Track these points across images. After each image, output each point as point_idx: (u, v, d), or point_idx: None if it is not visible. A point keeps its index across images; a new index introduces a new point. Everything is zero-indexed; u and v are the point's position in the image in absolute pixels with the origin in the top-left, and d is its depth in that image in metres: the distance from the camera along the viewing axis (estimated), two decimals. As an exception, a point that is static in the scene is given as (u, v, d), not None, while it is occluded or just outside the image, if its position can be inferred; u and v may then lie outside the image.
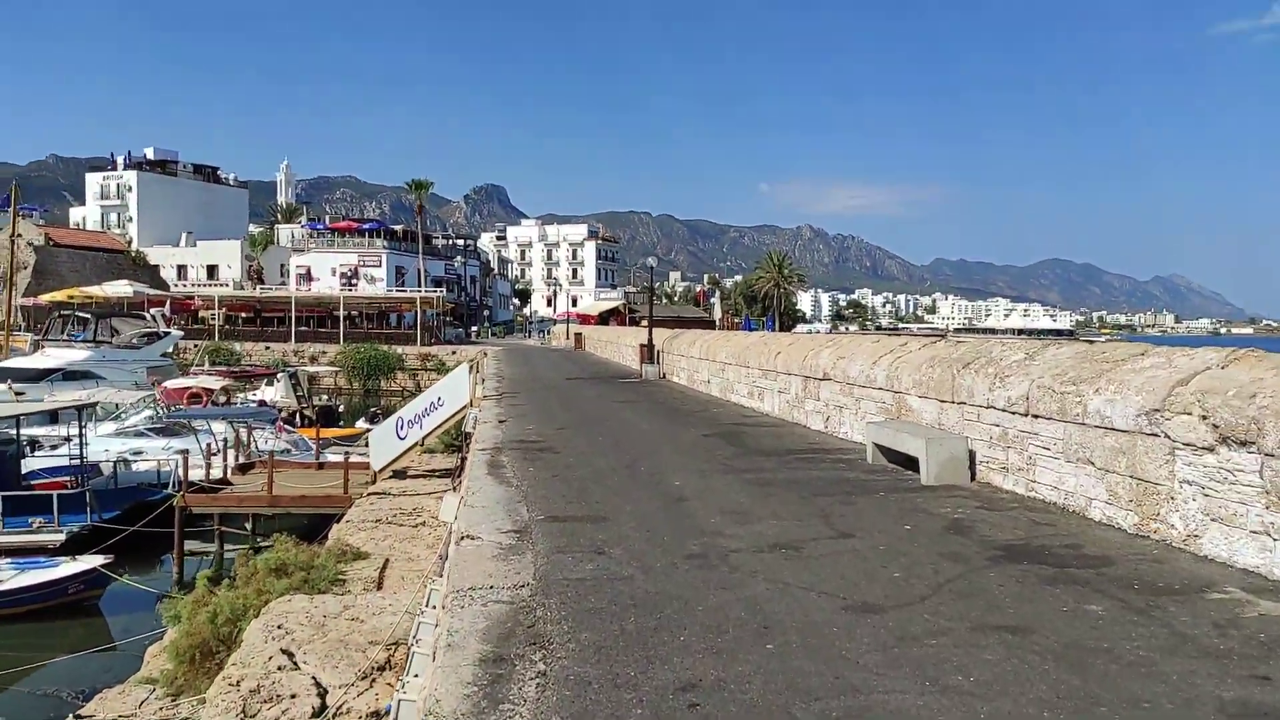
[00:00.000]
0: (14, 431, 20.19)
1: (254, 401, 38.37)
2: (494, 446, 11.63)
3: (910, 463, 8.95)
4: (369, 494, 16.27)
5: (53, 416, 27.94)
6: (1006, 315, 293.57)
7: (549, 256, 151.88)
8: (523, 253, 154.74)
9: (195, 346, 60.51)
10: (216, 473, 19.92)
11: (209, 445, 19.95)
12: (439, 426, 18.41)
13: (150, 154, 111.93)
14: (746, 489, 8.39)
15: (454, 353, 56.50)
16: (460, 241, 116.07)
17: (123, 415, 25.91)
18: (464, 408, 18.43)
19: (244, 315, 72.63)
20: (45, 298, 54.80)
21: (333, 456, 23.21)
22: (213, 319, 70.61)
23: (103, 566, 14.12)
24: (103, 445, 23.26)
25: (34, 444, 23.77)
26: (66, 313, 38.81)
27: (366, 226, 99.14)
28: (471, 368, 19.96)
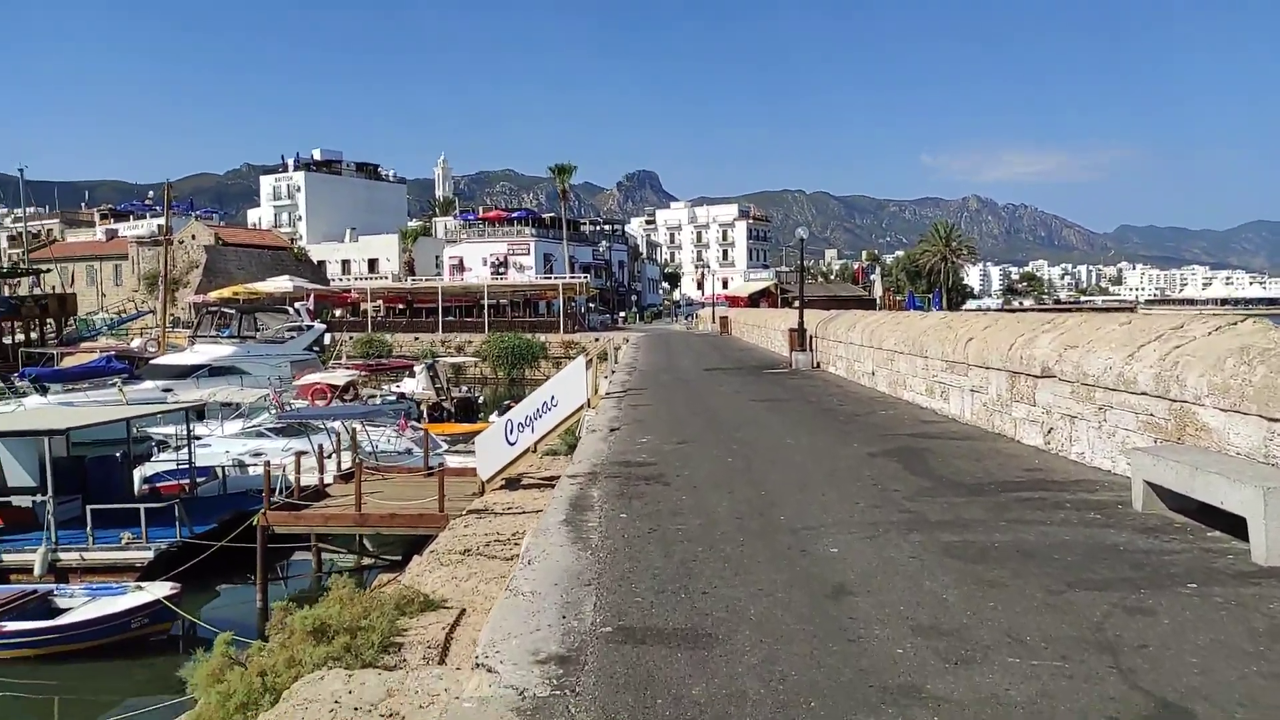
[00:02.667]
0: (125, 435, 19.37)
1: (394, 394, 37.74)
2: (589, 472, 8.89)
3: (1212, 514, 5.50)
4: (469, 511, 13.95)
5: (199, 413, 27.81)
6: (1206, 284, 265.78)
7: (698, 239, 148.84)
8: (672, 236, 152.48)
9: (351, 338, 61.82)
10: (328, 478, 18.39)
11: (320, 448, 18.40)
12: (552, 430, 15.84)
13: (317, 155, 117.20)
14: (949, 568, 5.20)
15: (597, 339, 54.71)
16: (608, 226, 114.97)
17: (250, 414, 25.20)
18: (580, 408, 15.83)
19: (399, 307, 74.03)
20: (213, 295, 57.10)
21: (452, 460, 21.35)
22: (372, 311, 72.35)
23: (168, 597, 12.53)
24: (224, 446, 22.41)
25: (162, 444, 23.25)
26: (214, 309, 39.56)
27: (515, 215, 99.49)
28: (590, 362, 17.33)
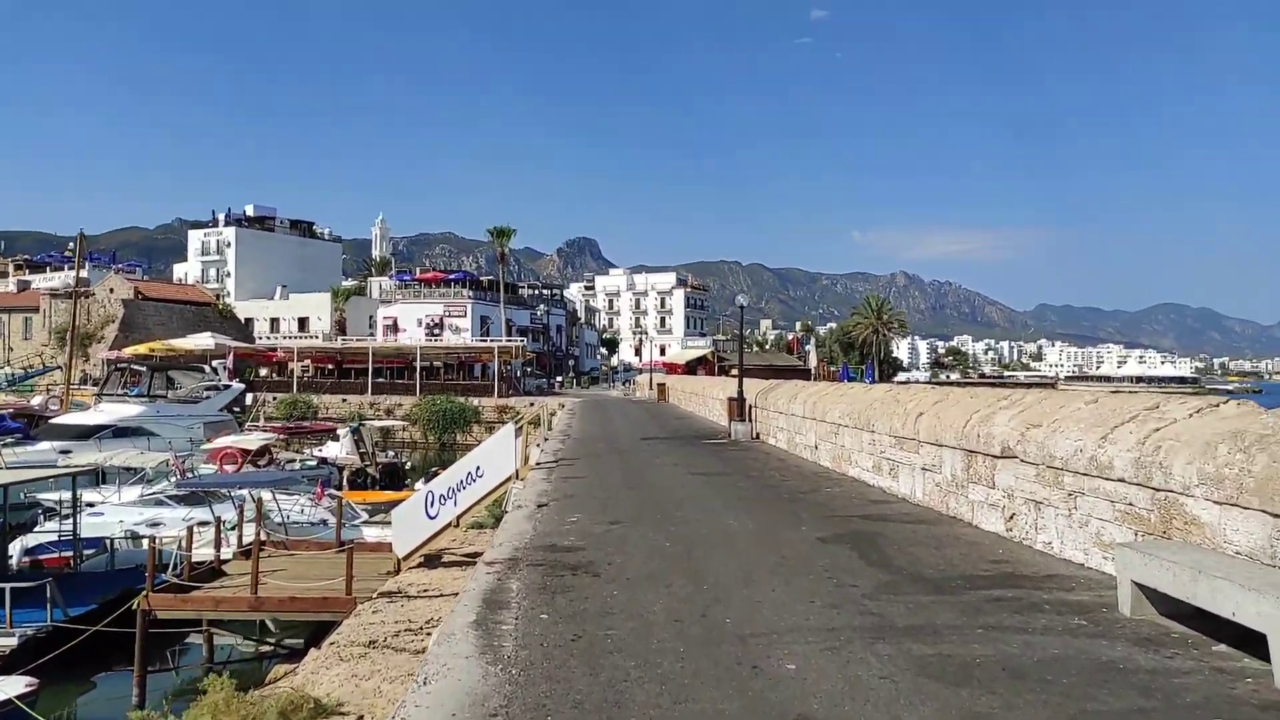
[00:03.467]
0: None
1: (315, 459, 35.85)
2: (509, 558, 7.87)
3: (1210, 619, 4.81)
4: (379, 594, 12.65)
5: (99, 477, 25.70)
6: (1121, 363, 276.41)
7: (637, 305, 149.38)
8: (610, 302, 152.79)
9: (275, 399, 59.36)
10: (228, 552, 16.81)
11: (218, 520, 16.83)
12: (476, 503, 14.77)
13: (250, 210, 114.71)
14: (929, 694, 4.35)
15: (532, 404, 53.42)
16: (546, 291, 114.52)
17: (153, 479, 23.34)
18: (508, 479, 14.79)
19: (328, 367, 71.71)
20: (128, 351, 54.38)
21: (370, 532, 19.90)
22: (300, 371, 69.86)
23: (22, 696, 10.84)
24: (119, 515, 20.55)
25: (49, 512, 21.23)
26: (123, 365, 37.33)
27: (453, 277, 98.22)
28: (519, 429, 16.31)
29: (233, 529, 17.67)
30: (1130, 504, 6.48)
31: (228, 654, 14.82)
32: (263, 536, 17.88)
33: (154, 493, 21.79)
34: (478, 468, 14.94)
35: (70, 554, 18.00)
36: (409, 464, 40.41)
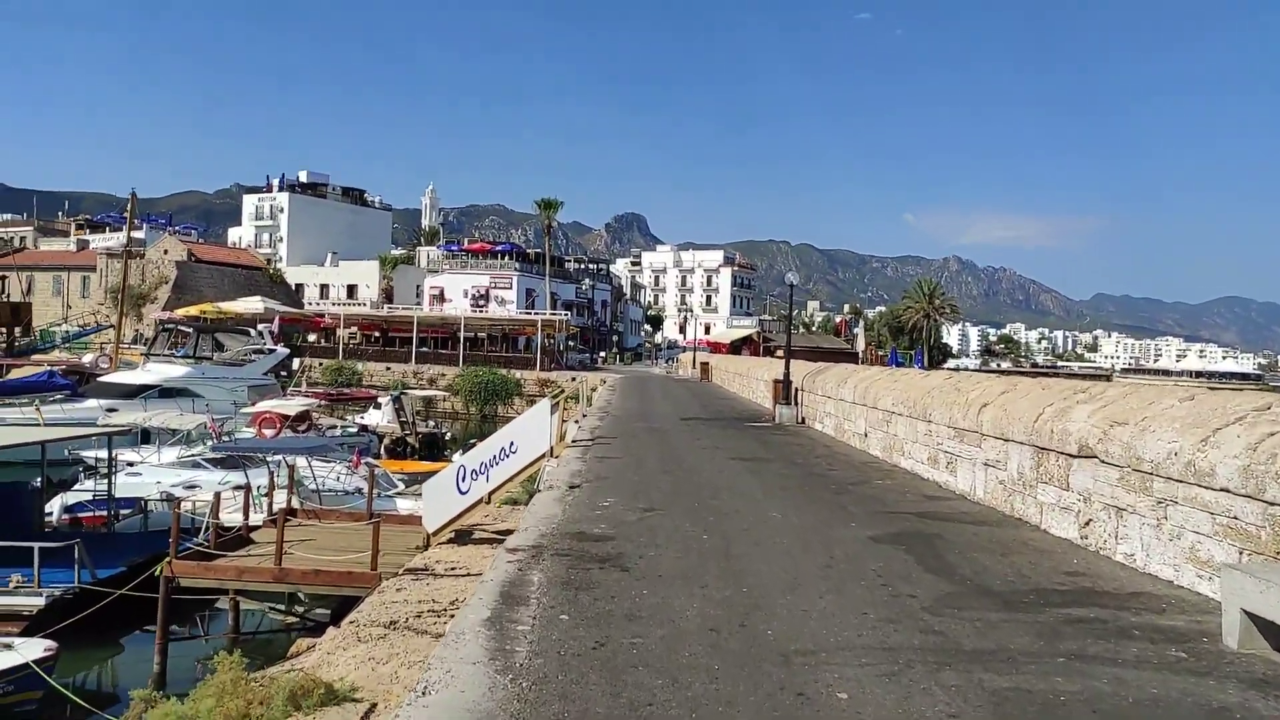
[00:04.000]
0: (40, 459, 17.52)
1: (356, 426, 35.89)
2: (534, 545, 7.32)
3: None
4: (405, 570, 12.24)
5: (142, 437, 25.86)
6: (1180, 357, 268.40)
7: (683, 283, 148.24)
8: (657, 278, 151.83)
9: (320, 365, 59.90)
10: (258, 518, 16.61)
11: (248, 487, 16.60)
12: (509, 480, 14.27)
13: (303, 177, 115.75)
14: (1010, 743, 3.67)
15: (574, 379, 53.12)
16: (592, 265, 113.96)
17: (193, 441, 23.36)
18: (542, 457, 14.27)
19: (374, 335, 72.22)
20: (180, 312, 55.10)
21: (404, 503, 19.60)
22: (347, 338, 70.42)
23: (39, 660, 10.63)
24: (157, 475, 20.54)
25: (89, 470, 21.34)
26: (169, 326, 37.66)
27: (499, 248, 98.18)
28: (556, 405, 15.79)
29: (265, 495, 17.47)
30: (1235, 518, 5.68)
31: (257, 622, 14.61)
32: (295, 504, 17.70)
33: (192, 454, 21.76)
34: (511, 443, 14.44)
35: (105, 513, 17.99)
36: (449, 435, 40.37)
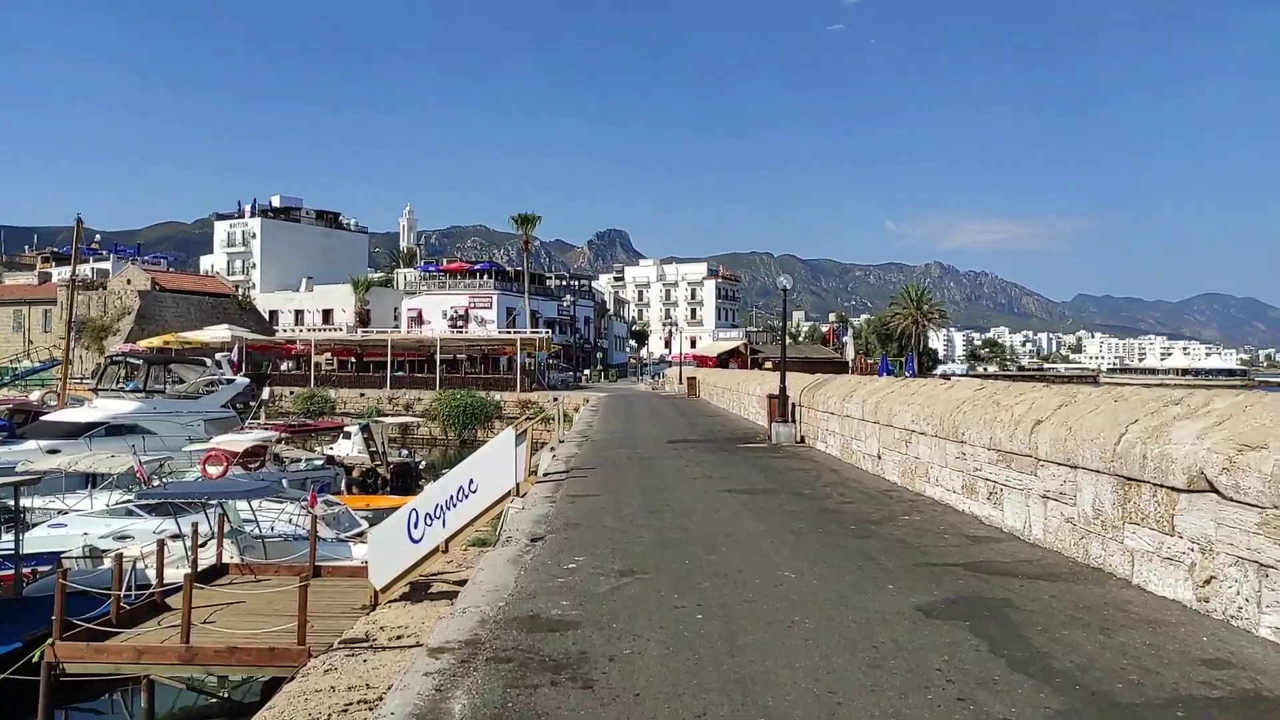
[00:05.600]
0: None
1: (322, 458, 33.74)
2: (466, 641, 5.38)
3: None
4: (342, 641, 10.20)
5: (90, 480, 23.63)
6: (1165, 355, 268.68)
7: (667, 296, 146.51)
8: (640, 293, 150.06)
9: (291, 393, 57.65)
10: (177, 576, 14.46)
11: (161, 545, 14.28)
12: (469, 524, 12.25)
13: (276, 201, 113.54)
14: None
15: (555, 399, 51.06)
16: (575, 282, 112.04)
17: (120, 486, 21.14)
18: (506, 495, 12.30)
19: (349, 360, 69.92)
20: (143, 343, 52.77)
21: (359, 551, 17.50)
22: (324, 364, 68.08)
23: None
24: (84, 526, 18.37)
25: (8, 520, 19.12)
26: (118, 359, 35.37)
27: (478, 267, 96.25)
28: (523, 434, 13.81)
29: (202, 544, 15.33)
30: None
31: (172, 701, 12.48)
32: (230, 557, 15.61)
33: (124, 501, 19.61)
34: (470, 481, 12.41)
35: (9, 573, 15.81)
36: (424, 463, 38.25)
